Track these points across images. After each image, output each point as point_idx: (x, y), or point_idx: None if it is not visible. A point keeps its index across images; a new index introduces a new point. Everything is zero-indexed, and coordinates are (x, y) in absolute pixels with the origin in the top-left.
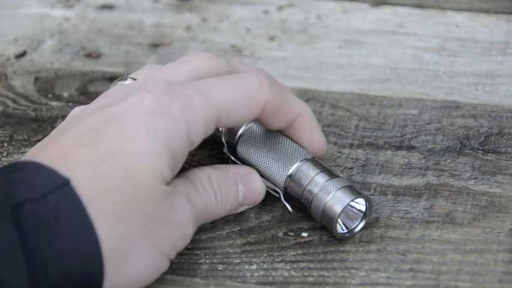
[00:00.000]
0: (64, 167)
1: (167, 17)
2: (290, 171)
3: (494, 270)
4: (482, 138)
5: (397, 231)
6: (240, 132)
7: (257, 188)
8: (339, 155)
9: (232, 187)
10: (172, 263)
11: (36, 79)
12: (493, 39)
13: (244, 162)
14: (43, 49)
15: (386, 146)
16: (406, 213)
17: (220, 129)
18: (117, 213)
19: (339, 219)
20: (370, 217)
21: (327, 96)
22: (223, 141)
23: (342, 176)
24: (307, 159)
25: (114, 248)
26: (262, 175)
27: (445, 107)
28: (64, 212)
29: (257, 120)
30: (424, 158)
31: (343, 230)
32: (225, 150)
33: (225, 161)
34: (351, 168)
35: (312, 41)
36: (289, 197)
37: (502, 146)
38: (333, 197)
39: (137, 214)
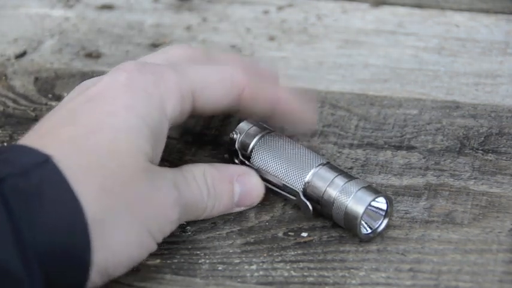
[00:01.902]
0: (47, 146)
1: (167, 17)
2: (307, 177)
3: (494, 270)
4: (482, 138)
5: (397, 231)
6: (253, 142)
7: (255, 189)
8: (338, 155)
9: (227, 186)
10: (172, 263)
11: (36, 79)
12: (493, 39)
13: (260, 171)
14: (43, 49)
15: (386, 146)
16: (406, 213)
17: (233, 136)
18: (103, 187)
19: (362, 220)
20: (392, 216)
21: (326, 96)
22: (237, 149)
23: (359, 177)
24: (322, 164)
25: (100, 220)
26: (279, 183)
27: (445, 107)
28: (48, 187)
29: (241, 107)
30: (424, 158)
31: (367, 231)
32: (239, 158)
33: (225, 161)
34: (351, 168)
35: (312, 41)
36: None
37: (501, 146)
38: (354, 198)
39: (122, 189)
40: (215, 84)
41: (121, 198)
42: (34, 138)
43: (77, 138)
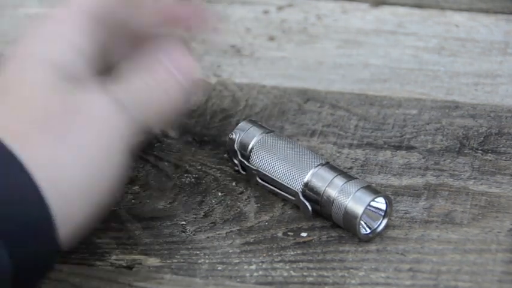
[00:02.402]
0: None
1: None
2: (307, 178)
3: (493, 270)
4: (482, 138)
5: (397, 231)
6: (253, 142)
7: (186, 59)
8: (338, 155)
9: (165, 73)
10: (171, 263)
11: None
12: (492, 39)
13: (259, 172)
14: None
15: (386, 146)
16: (406, 213)
17: (232, 136)
18: (27, 129)
19: (362, 220)
20: (391, 215)
21: (326, 96)
22: (236, 149)
23: (358, 177)
24: (322, 164)
25: (36, 168)
26: (278, 183)
27: (444, 107)
28: None
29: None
30: (424, 158)
31: (366, 231)
32: (238, 158)
33: (225, 161)
34: (350, 168)
35: (312, 41)
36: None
37: (501, 146)
38: (354, 198)
39: (39, 125)
40: None
41: (46, 132)
42: None
43: None
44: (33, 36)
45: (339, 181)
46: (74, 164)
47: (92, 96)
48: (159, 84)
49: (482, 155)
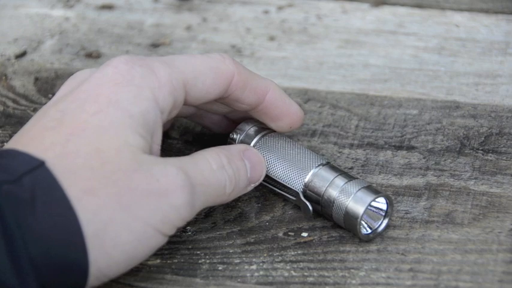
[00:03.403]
0: (34, 152)
1: (167, 17)
2: (307, 178)
3: (494, 270)
4: (482, 138)
5: (397, 231)
6: (253, 142)
7: (259, 161)
8: (339, 155)
9: (240, 161)
10: (172, 263)
11: (36, 79)
12: (493, 39)
13: None
14: (43, 49)
15: (387, 146)
16: (406, 213)
17: (233, 136)
18: (88, 188)
19: (362, 221)
20: (392, 215)
21: (327, 96)
22: None
23: (359, 177)
24: (322, 164)
25: (89, 222)
26: (279, 183)
27: (445, 107)
28: (40, 191)
29: (228, 97)
30: (424, 158)
31: (367, 231)
32: None
33: None
34: (351, 168)
35: (312, 41)
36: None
37: (502, 146)
38: (354, 198)
39: (109, 186)
40: (205, 74)
41: (110, 196)
42: (22, 142)
43: (60, 143)
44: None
45: (340, 181)
46: (125, 229)
47: (164, 166)
48: (232, 173)
49: (483, 155)
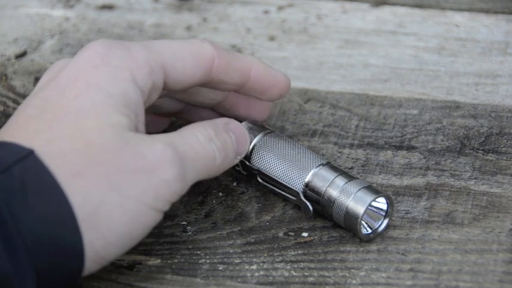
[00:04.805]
0: (21, 141)
1: (167, 17)
2: (308, 178)
3: (494, 270)
4: (483, 138)
5: (398, 231)
6: (253, 143)
7: (244, 132)
8: (339, 155)
9: (226, 133)
10: (172, 263)
11: (37, 79)
12: (493, 39)
13: (260, 172)
14: (43, 49)
15: (387, 146)
16: (407, 213)
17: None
18: (76, 171)
19: (363, 221)
20: (392, 216)
21: (327, 96)
22: None
23: (359, 177)
24: (323, 164)
25: (81, 205)
26: (279, 183)
27: (445, 107)
28: (30, 179)
29: (212, 81)
30: (425, 158)
31: (367, 231)
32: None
33: None
34: (351, 168)
35: (312, 41)
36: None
37: (502, 146)
38: (355, 198)
39: (97, 167)
40: (185, 57)
41: (98, 177)
42: (8, 134)
43: (44, 130)
44: (96, 66)
45: (340, 181)
46: (118, 209)
47: (151, 142)
48: (219, 145)
49: (483, 155)
